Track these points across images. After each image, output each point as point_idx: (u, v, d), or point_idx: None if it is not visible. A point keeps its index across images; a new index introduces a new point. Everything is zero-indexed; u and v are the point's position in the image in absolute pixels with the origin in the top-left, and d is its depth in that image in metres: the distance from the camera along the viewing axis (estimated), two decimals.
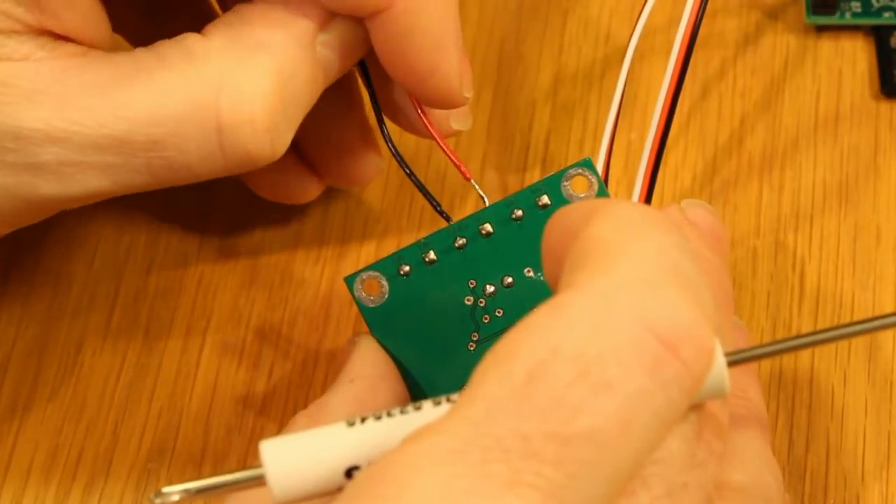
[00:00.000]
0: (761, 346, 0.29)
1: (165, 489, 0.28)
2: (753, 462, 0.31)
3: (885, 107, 0.42)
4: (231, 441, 0.38)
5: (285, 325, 0.39)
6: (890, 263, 0.39)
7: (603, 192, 0.34)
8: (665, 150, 0.35)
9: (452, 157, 0.36)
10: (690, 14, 0.35)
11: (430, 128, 0.36)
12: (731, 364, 0.28)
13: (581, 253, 0.28)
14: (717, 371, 0.27)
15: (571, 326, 0.26)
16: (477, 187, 0.36)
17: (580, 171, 0.35)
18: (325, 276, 0.40)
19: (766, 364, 0.38)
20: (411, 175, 0.36)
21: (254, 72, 0.33)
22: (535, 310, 0.27)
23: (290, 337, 0.39)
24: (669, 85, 0.35)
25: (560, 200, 0.35)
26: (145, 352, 0.39)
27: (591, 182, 0.35)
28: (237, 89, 0.33)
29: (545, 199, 0.35)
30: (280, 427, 0.37)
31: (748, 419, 0.32)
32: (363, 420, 0.28)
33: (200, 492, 0.28)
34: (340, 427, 0.28)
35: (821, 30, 0.43)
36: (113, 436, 0.38)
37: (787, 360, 0.38)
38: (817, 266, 0.39)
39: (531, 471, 0.25)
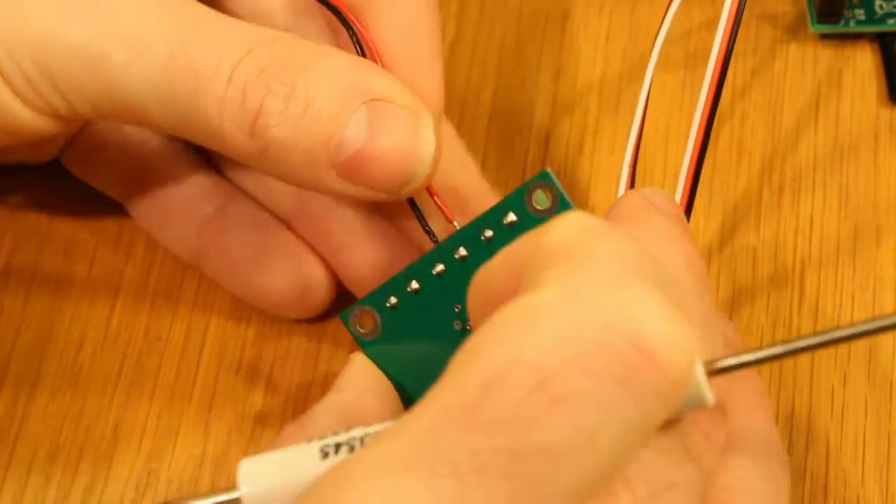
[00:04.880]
0: (749, 351, 0.27)
1: None
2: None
3: (886, 107, 0.42)
4: (231, 441, 0.38)
5: (286, 326, 0.39)
6: (890, 264, 0.39)
7: (564, 202, 0.33)
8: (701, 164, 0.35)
9: (438, 201, 0.36)
10: (723, 36, 0.35)
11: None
12: (713, 373, 0.26)
13: (546, 253, 0.27)
14: (696, 381, 0.26)
15: (536, 332, 0.25)
16: (456, 225, 0.35)
17: (540, 183, 0.34)
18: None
19: (765, 364, 0.38)
20: None
21: None
22: (502, 308, 0.26)
23: (290, 337, 0.39)
24: (706, 101, 0.35)
25: (525, 216, 0.34)
26: (145, 352, 0.39)
27: (553, 194, 0.34)
28: None
29: (511, 217, 0.34)
30: (279, 428, 0.37)
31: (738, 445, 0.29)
32: (337, 450, 0.28)
33: None
34: (315, 458, 0.28)
35: (825, 37, 0.43)
36: (113, 436, 0.38)
37: (787, 360, 0.38)
38: (817, 266, 0.39)
39: (482, 487, 0.24)
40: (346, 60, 0.33)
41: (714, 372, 0.26)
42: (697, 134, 0.34)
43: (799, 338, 0.27)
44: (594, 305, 0.25)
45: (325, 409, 0.33)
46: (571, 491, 0.24)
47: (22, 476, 0.37)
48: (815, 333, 0.27)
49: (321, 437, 0.29)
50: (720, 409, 0.28)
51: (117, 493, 0.37)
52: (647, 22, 0.43)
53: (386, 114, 0.33)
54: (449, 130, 0.38)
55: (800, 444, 0.37)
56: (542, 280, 0.26)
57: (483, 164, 0.41)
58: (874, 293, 0.39)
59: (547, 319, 0.25)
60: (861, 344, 0.38)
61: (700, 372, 0.26)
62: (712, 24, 0.40)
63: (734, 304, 0.39)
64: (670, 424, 0.27)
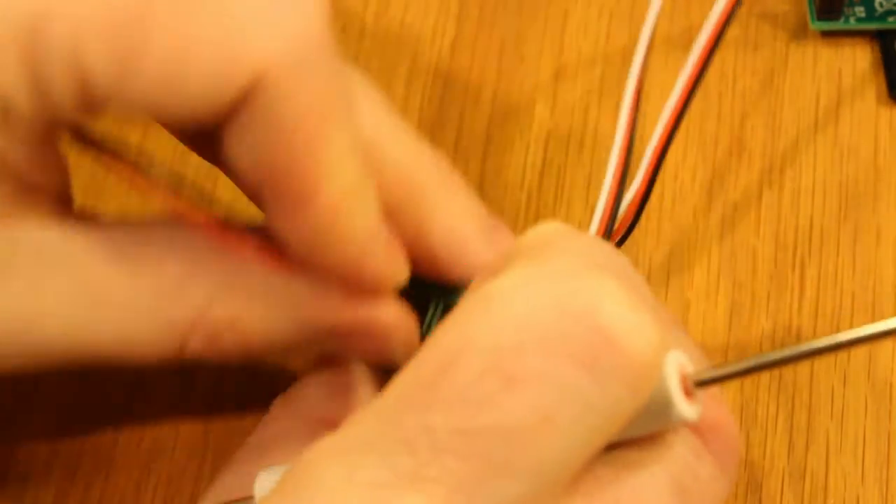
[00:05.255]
0: (727, 365, 0.27)
1: None
2: None
3: (886, 107, 0.42)
4: (231, 441, 0.38)
5: None
6: (890, 264, 0.39)
7: None
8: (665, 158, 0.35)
9: None
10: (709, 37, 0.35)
11: None
12: (697, 385, 0.26)
13: (517, 251, 0.27)
14: (670, 393, 0.25)
15: (491, 316, 0.25)
16: None
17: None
18: None
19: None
20: None
21: None
22: (461, 301, 0.26)
23: None
24: (681, 93, 0.35)
25: None
26: None
27: None
28: None
29: None
30: None
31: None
32: None
33: None
34: None
35: (825, 35, 0.43)
36: (113, 436, 0.38)
37: None
38: (817, 266, 0.39)
39: (437, 464, 0.24)
40: None
41: (698, 384, 0.26)
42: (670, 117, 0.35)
43: (790, 347, 0.27)
44: (551, 290, 0.25)
45: (314, 381, 0.33)
46: (532, 472, 0.24)
47: (22, 476, 0.37)
48: (788, 347, 0.27)
49: None
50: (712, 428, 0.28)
51: (117, 493, 0.37)
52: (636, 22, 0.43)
53: None
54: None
55: (800, 444, 0.37)
56: (503, 270, 0.26)
57: (483, 164, 0.41)
58: (874, 293, 0.39)
59: (501, 303, 0.25)
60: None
61: (675, 384, 0.26)
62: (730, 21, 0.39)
63: (734, 304, 0.39)
64: (667, 445, 0.27)
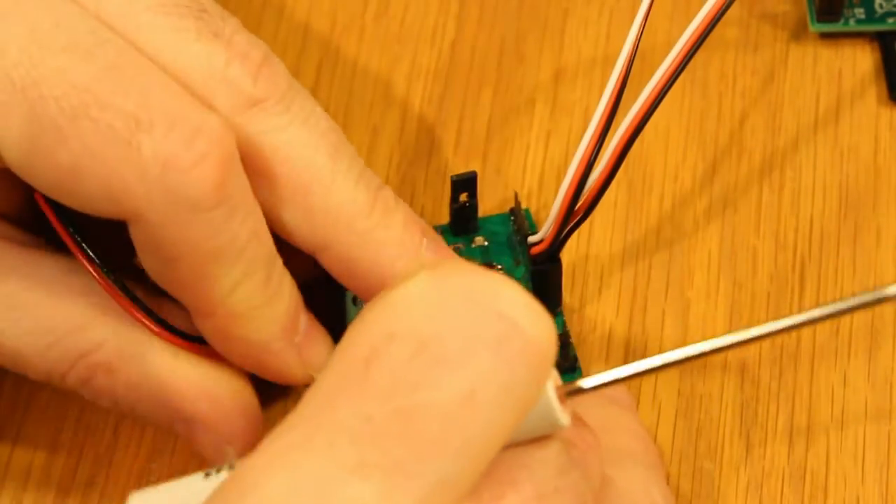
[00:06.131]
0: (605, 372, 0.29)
1: None
2: None
3: (886, 108, 0.42)
4: None
5: None
6: (890, 264, 0.39)
7: None
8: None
9: None
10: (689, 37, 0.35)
11: None
12: (574, 393, 0.29)
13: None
14: (550, 403, 0.28)
15: (408, 310, 0.26)
16: None
17: None
18: None
19: (766, 363, 0.38)
20: None
21: None
22: (370, 302, 0.27)
23: None
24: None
25: None
26: None
27: None
28: None
29: None
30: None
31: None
32: (219, 470, 0.29)
33: None
34: (199, 480, 0.29)
35: (825, 36, 0.43)
36: (113, 436, 0.38)
37: (787, 359, 0.38)
38: (817, 266, 0.39)
39: (378, 450, 0.25)
40: None
41: (575, 392, 0.29)
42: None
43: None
44: (461, 286, 0.27)
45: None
46: (462, 454, 0.26)
47: (22, 476, 0.37)
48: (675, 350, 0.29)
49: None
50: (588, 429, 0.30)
51: (117, 493, 0.37)
52: (648, 21, 0.43)
53: None
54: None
55: (800, 444, 0.37)
56: (409, 275, 0.27)
57: (483, 164, 0.41)
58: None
59: (416, 300, 0.26)
60: (861, 344, 0.38)
61: (552, 395, 0.28)
62: (716, 25, 0.39)
63: (734, 304, 0.39)
64: (549, 438, 0.28)
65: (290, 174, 0.33)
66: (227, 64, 0.33)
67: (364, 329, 0.27)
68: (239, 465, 0.26)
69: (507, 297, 0.26)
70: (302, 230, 0.33)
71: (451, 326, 0.26)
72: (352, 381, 0.26)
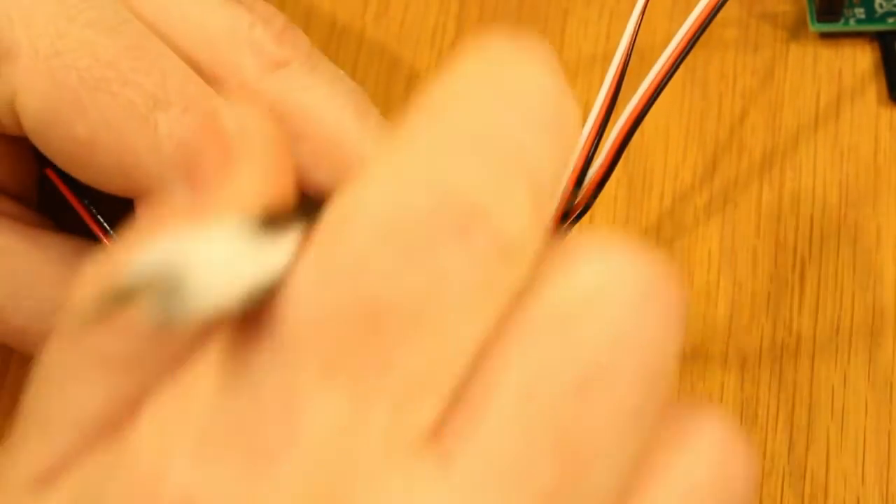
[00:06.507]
0: None
1: None
2: None
3: (886, 108, 0.42)
4: None
5: None
6: (890, 264, 0.39)
7: None
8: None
9: None
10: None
11: None
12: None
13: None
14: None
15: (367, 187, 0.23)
16: None
17: None
18: None
19: (766, 363, 0.38)
20: None
21: None
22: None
23: None
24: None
25: None
26: None
27: None
28: None
29: None
30: None
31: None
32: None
33: None
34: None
35: (825, 36, 0.43)
36: None
37: (787, 359, 0.38)
38: (817, 266, 0.40)
39: (348, 361, 0.22)
40: None
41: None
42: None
43: None
44: (425, 172, 0.23)
45: None
46: (433, 351, 0.22)
47: None
48: None
49: None
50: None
51: None
52: (648, 22, 0.43)
53: None
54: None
55: (800, 444, 0.37)
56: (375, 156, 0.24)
57: None
58: (874, 293, 0.39)
59: (374, 193, 0.23)
60: (861, 344, 0.38)
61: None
62: (716, 24, 0.40)
63: (734, 304, 0.39)
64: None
65: (320, 132, 0.33)
66: (251, 26, 0.33)
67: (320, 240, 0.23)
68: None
69: (476, 182, 0.23)
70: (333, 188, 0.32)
71: (415, 219, 0.22)
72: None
